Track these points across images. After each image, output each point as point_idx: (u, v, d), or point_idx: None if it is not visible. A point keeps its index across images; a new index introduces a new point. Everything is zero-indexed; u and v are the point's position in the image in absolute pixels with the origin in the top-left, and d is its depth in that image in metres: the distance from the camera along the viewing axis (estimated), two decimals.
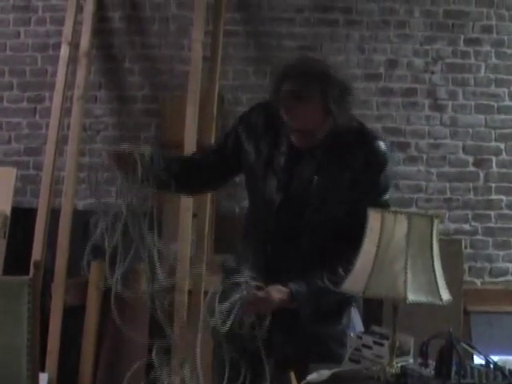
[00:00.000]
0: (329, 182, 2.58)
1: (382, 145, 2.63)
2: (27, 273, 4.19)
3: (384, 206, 2.66)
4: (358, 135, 2.60)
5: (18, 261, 4.30)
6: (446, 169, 4.83)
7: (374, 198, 2.66)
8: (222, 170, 2.79)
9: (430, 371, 2.47)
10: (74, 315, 4.33)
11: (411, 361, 2.67)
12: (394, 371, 2.53)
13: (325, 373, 2.54)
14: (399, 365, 2.55)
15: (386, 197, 2.73)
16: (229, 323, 2.37)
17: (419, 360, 2.53)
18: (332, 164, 2.58)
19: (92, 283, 4.27)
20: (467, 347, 2.47)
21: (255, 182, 2.67)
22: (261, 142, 2.64)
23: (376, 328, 2.86)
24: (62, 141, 4.58)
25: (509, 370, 2.44)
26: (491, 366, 2.46)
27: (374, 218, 2.62)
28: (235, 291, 2.42)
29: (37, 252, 4.31)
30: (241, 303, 2.41)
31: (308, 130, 2.49)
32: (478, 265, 4.80)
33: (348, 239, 2.61)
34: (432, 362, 2.50)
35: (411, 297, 2.46)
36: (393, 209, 2.73)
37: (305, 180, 2.60)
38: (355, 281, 2.58)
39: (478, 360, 2.56)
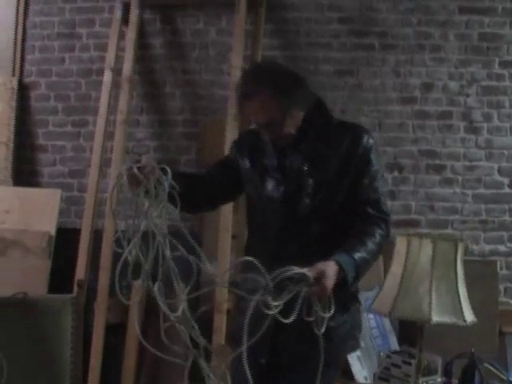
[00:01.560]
0: (319, 169, 2.67)
1: (365, 129, 2.77)
2: (71, 291, 4.41)
3: (376, 192, 2.69)
4: (339, 124, 2.76)
5: (62, 279, 4.45)
6: (482, 190, 4.82)
7: (368, 181, 2.69)
8: (225, 186, 2.92)
9: None
10: (115, 332, 4.44)
11: (439, 379, 2.82)
12: None
13: None
14: (425, 381, 2.70)
15: (380, 183, 2.74)
16: (293, 315, 2.32)
17: (444, 379, 2.67)
18: (319, 152, 2.69)
19: (133, 302, 4.43)
20: (490, 367, 2.61)
21: (255, 189, 2.79)
22: (253, 155, 2.82)
23: (406, 348, 3.01)
24: (105, 164, 4.69)
25: None
26: None
27: (400, 242, 2.79)
28: (290, 285, 2.36)
29: (80, 271, 4.44)
30: (305, 292, 2.35)
31: (268, 122, 2.64)
32: None
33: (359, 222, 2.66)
34: (455, 381, 2.64)
35: (435, 318, 2.61)
36: (418, 233, 2.87)
37: (297, 172, 2.69)
38: (382, 302, 2.74)
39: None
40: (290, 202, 2.68)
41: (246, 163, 2.83)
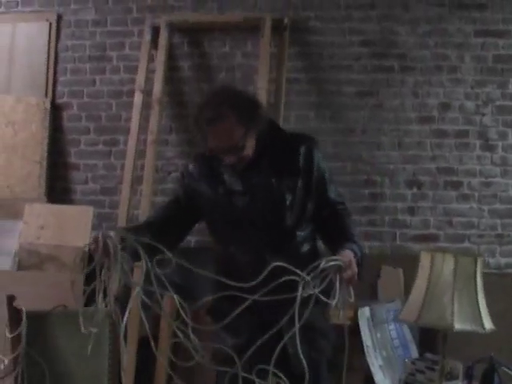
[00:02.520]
0: (287, 180, 2.82)
1: (312, 138, 2.95)
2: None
3: (337, 193, 2.97)
4: (290, 135, 2.93)
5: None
6: (497, 206, 5.01)
7: (330, 186, 2.93)
8: (184, 220, 2.98)
9: None
10: (147, 345, 4.69)
11: None
12: None
13: None
14: None
15: (334, 183, 3.00)
16: (335, 300, 2.44)
17: (465, 382, 2.98)
18: (279, 166, 2.83)
19: (165, 315, 4.65)
20: (508, 370, 2.91)
21: (222, 213, 2.87)
22: (211, 181, 2.89)
23: (429, 355, 3.31)
24: (136, 181, 4.95)
25: None
26: None
27: (424, 257, 3.10)
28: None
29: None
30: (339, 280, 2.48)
31: (231, 147, 2.72)
32: None
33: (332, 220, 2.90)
34: None
35: (457, 326, 2.92)
36: (438, 247, 3.15)
37: (268, 188, 2.82)
38: (409, 311, 3.05)
39: None
40: (271, 216, 2.82)
41: (206, 191, 2.90)
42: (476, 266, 3.04)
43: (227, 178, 2.86)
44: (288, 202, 2.81)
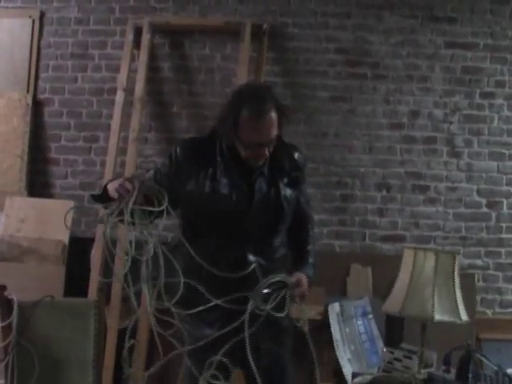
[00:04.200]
0: (281, 191, 2.99)
1: (298, 147, 3.15)
2: (83, 295, 4.75)
3: (310, 208, 3.26)
4: (282, 146, 3.01)
5: (74, 285, 4.85)
6: (462, 210, 5.32)
7: (306, 198, 3.19)
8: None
9: (451, 376, 3.24)
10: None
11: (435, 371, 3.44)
12: (421, 377, 3.32)
13: (367, 377, 3.32)
14: (426, 372, 3.33)
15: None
16: (285, 311, 2.80)
17: (443, 367, 3.30)
18: (278, 175, 2.99)
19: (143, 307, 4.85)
20: (482, 358, 3.24)
21: (210, 203, 2.94)
22: (198, 173, 2.93)
23: (404, 345, 3.64)
24: (116, 178, 5.10)
25: None
26: (501, 373, 3.24)
27: (407, 254, 3.43)
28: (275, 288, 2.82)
29: (94, 278, 4.85)
30: (289, 296, 2.84)
31: (269, 141, 2.85)
32: (490, 297, 5.28)
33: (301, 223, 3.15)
34: (453, 370, 3.27)
35: (437, 317, 3.26)
36: (423, 247, 3.47)
37: (264, 194, 2.96)
38: (393, 303, 3.38)
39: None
40: (266, 222, 2.99)
41: (190, 183, 2.95)
42: (454, 263, 3.38)
43: (228, 171, 2.95)
44: (285, 213, 3.02)
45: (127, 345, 2.71)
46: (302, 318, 2.91)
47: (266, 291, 2.79)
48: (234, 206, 2.94)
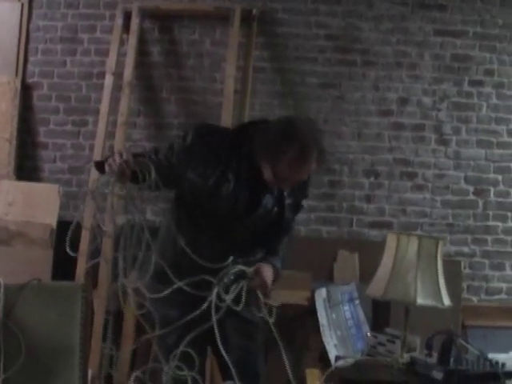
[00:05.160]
0: (285, 213, 3.06)
1: None
2: (71, 279, 4.78)
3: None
4: None
5: (62, 268, 4.83)
6: (449, 197, 5.37)
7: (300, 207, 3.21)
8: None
9: (433, 360, 3.29)
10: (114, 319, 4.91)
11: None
12: (404, 361, 3.37)
13: (350, 360, 3.37)
14: (409, 356, 3.38)
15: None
16: (241, 305, 2.81)
17: (425, 351, 3.35)
18: (285, 196, 3.04)
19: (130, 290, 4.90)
20: (463, 342, 3.29)
21: (207, 198, 2.97)
22: (206, 166, 2.94)
23: (388, 330, 3.69)
24: None
25: (496, 361, 3.27)
26: (482, 358, 3.29)
27: (391, 238, 3.47)
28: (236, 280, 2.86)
29: (82, 261, 4.87)
30: (247, 288, 2.86)
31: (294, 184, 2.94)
32: (476, 284, 5.34)
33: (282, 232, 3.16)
34: (435, 354, 3.32)
35: (420, 301, 3.31)
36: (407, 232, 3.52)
37: (267, 211, 3.02)
38: (376, 288, 3.43)
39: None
40: (257, 231, 3.06)
41: (204, 168, 2.95)
42: (437, 248, 3.43)
43: (230, 180, 2.95)
44: (280, 234, 3.12)
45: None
46: (265, 308, 2.93)
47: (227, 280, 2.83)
48: (230, 210, 2.97)
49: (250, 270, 2.93)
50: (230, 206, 2.98)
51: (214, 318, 2.73)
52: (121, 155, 2.79)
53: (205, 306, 2.75)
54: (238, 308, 2.82)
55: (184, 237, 2.97)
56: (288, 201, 3.07)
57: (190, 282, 2.80)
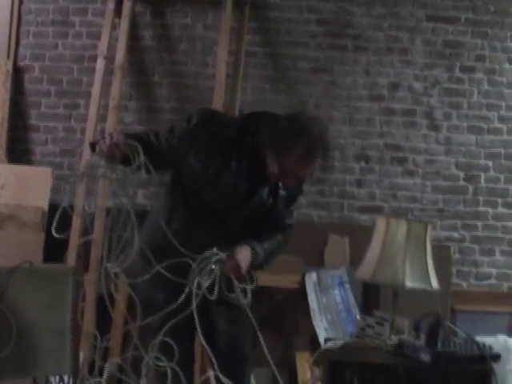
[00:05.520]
0: (278, 207, 3.06)
1: None
2: (62, 262, 4.77)
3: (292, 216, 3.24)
4: None
5: (54, 251, 4.75)
6: (440, 182, 5.39)
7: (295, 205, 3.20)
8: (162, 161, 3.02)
9: (421, 342, 3.32)
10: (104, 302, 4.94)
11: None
12: (392, 343, 3.40)
13: (339, 342, 3.40)
14: (397, 338, 3.41)
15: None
16: (215, 292, 2.81)
17: (413, 334, 3.38)
18: (280, 189, 3.04)
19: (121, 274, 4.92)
20: (451, 325, 3.33)
21: (205, 187, 2.98)
22: (207, 153, 2.94)
23: (377, 312, 3.72)
24: None
25: (483, 344, 3.31)
26: (470, 340, 3.32)
27: (380, 222, 3.50)
28: (208, 265, 2.83)
29: (73, 244, 4.88)
30: (219, 273, 2.83)
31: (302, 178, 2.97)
32: (465, 269, 5.37)
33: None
34: (423, 336, 3.35)
35: (408, 284, 3.34)
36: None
37: (262, 203, 3.01)
38: (365, 270, 3.45)
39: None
40: (248, 221, 3.06)
41: (206, 154, 2.95)
42: (426, 232, 3.45)
43: (230, 169, 2.95)
44: (270, 227, 3.10)
45: None
46: (239, 294, 2.93)
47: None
48: (227, 199, 2.98)
49: (222, 254, 2.89)
50: (228, 195, 2.98)
51: (194, 304, 2.76)
52: (111, 137, 2.82)
53: (183, 296, 2.77)
54: (212, 297, 2.81)
55: (177, 221, 3.03)
56: (282, 193, 3.06)
57: (177, 265, 2.81)
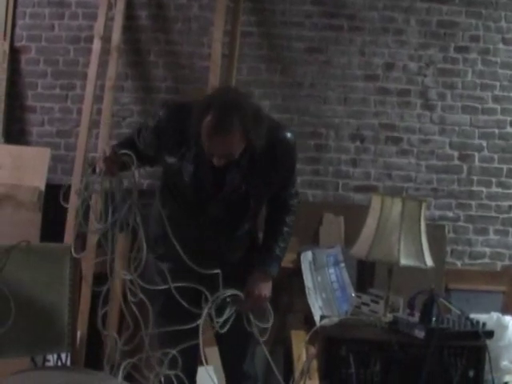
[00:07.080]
0: (255, 187, 2.97)
1: (289, 135, 2.99)
2: (59, 241, 4.74)
3: (294, 185, 3.20)
4: (269, 135, 2.84)
5: (51, 230, 4.83)
6: (434, 162, 5.39)
7: (291, 181, 3.13)
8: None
9: (415, 319, 3.33)
10: (102, 281, 4.94)
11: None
12: (387, 320, 3.41)
13: (334, 319, 3.41)
14: (391, 315, 3.42)
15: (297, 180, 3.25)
16: (227, 326, 2.99)
17: (407, 311, 3.39)
18: (256, 169, 2.92)
19: (118, 253, 4.92)
20: (445, 302, 3.34)
21: (182, 182, 2.97)
22: (177, 147, 2.93)
23: (372, 290, 3.73)
24: (92, 125, 5.12)
25: (476, 320, 3.32)
26: (463, 317, 3.34)
27: (375, 200, 3.50)
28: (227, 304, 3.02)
29: (70, 224, 4.85)
30: (237, 310, 3.03)
31: (227, 155, 2.76)
32: (459, 248, 5.38)
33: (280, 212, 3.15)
34: (417, 313, 3.36)
35: (403, 261, 3.35)
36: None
37: (235, 187, 2.93)
38: (360, 248, 3.45)
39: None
40: (229, 214, 3.04)
41: (175, 155, 2.95)
42: (420, 210, 3.46)
43: (200, 162, 2.90)
44: (250, 211, 3.06)
45: None
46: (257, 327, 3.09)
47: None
48: (197, 190, 2.97)
49: (240, 294, 3.03)
50: (196, 187, 2.97)
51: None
52: (105, 153, 2.93)
53: (196, 323, 2.91)
54: (223, 331, 2.98)
55: (168, 211, 3.05)
56: (258, 179, 2.97)
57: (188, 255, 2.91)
